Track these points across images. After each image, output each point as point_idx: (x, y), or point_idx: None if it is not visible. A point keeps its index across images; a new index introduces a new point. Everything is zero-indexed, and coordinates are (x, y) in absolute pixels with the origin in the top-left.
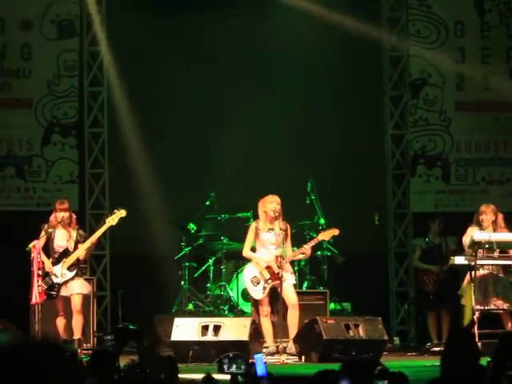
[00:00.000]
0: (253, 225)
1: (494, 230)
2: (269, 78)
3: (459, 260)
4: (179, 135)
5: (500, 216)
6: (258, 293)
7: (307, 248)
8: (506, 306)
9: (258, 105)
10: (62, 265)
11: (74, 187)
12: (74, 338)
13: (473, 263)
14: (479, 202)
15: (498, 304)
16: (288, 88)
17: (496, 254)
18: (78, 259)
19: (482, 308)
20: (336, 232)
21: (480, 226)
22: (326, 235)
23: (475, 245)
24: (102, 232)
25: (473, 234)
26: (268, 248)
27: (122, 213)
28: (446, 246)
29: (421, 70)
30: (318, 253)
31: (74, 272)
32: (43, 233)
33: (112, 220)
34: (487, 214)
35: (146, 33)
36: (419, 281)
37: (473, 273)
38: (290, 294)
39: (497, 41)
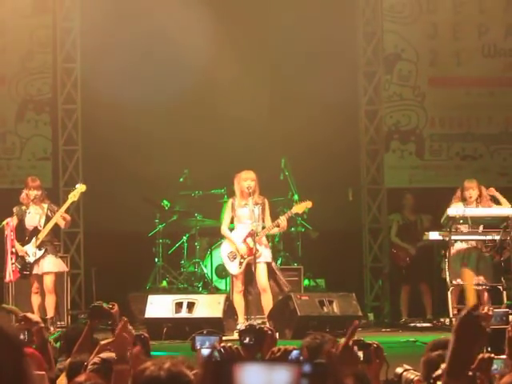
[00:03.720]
0: (229, 201)
1: (479, 205)
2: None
3: (433, 235)
4: (153, 111)
5: (483, 189)
6: (234, 268)
7: (282, 220)
8: (486, 282)
9: (231, 80)
10: (33, 243)
11: (48, 164)
12: (47, 317)
13: (447, 239)
14: (453, 177)
15: (479, 280)
16: (261, 61)
17: (480, 229)
18: (50, 236)
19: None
20: (309, 204)
21: (465, 201)
22: (299, 208)
23: (449, 220)
24: (65, 208)
25: (448, 209)
26: (245, 223)
27: (82, 188)
28: (421, 224)
29: (394, 45)
30: (292, 229)
31: (44, 250)
32: (15, 215)
33: (73, 196)
34: (474, 189)
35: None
36: (393, 255)
37: (453, 248)
38: (260, 277)
39: (469, 16)
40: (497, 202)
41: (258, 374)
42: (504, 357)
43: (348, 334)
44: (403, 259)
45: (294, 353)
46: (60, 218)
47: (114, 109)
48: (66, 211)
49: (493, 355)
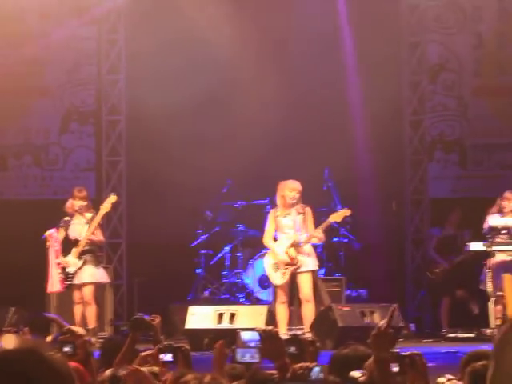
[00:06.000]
0: (271, 212)
1: None
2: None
3: (476, 246)
4: (196, 123)
5: None
6: (277, 279)
7: (319, 231)
8: None
9: (273, 92)
10: (73, 253)
11: (91, 175)
12: (89, 327)
13: (490, 249)
14: (496, 188)
15: None
16: (302, 76)
17: None
18: (90, 245)
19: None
20: (347, 212)
21: (501, 212)
22: (337, 216)
23: (492, 230)
24: (99, 220)
25: (489, 219)
26: (287, 233)
27: (112, 198)
28: (462, 239)
29: (439, 55)
30: (335, 239)
31: (82, 260)
32: (62, 228)
33: (105, 207)
34: (510, 200)
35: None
36: (429, 269)
37: (492, 259)
38: (304, 288)
39: None
40: None
41: None
42: None
43: (387, 318)
44: (438, 274)
45: (315, 370)
46: (86, 238)
47: (159, 119)
48: (101, 222)
49: None
